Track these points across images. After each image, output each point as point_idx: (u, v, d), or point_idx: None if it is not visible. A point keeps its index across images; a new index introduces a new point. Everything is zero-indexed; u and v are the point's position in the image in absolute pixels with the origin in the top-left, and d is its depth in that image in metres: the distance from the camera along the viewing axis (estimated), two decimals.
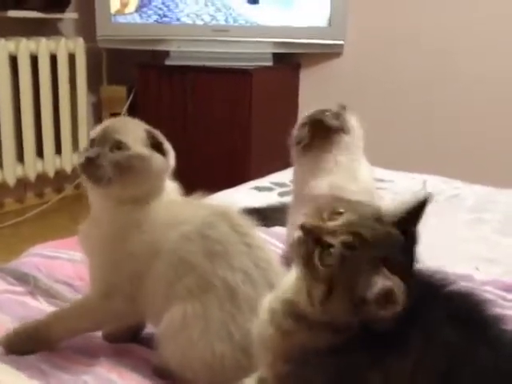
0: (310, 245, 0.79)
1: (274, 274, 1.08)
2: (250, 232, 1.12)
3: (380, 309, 0.74)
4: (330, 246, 0.77)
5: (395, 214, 0.80)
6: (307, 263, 0.79)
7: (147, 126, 1.15)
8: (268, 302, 0.89)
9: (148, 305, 1.11)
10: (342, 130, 1.49)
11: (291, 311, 0.84)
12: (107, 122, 1.15)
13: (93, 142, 1.12)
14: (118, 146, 1.09)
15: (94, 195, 1.14)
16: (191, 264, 1.06)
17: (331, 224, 0.79)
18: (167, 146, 1.14)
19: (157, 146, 1.13)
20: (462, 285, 0.86)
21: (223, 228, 1.09)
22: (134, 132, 1.12)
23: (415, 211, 0.80)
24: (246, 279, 1.05)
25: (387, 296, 0.73)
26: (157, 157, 1.12)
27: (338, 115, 1.50)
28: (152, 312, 1.11)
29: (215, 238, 1.07)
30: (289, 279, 0.88)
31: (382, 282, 0.74)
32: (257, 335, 0.89)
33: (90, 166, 1.09)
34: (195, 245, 1.07)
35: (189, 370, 1.04)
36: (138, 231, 1.10)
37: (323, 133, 1.49)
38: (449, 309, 0.81)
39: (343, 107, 1.53)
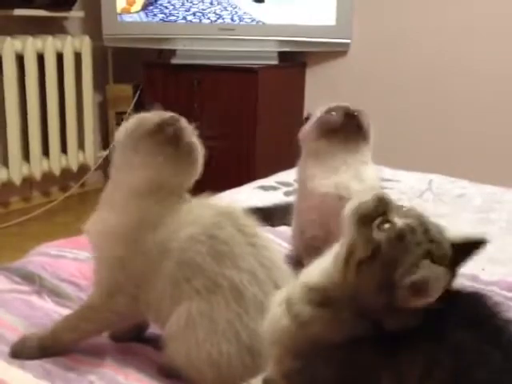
0: (376, 211, 0.80)
1: (279, 273, 1.08)
2: (255, 232, 1.11)
3: (412, 296, 0.74)
4: (391, 222, 0.79)
5: (453, 237, 0.82)
6: (364, 225, 0.79)
7: None
8: (283, 293, 0.88)
9: (153, 305, 1.10)
10: (366, 137, 1.48)
11: (314, 298, 0.83)
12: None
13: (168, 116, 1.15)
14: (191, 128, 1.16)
15: (124, 177, 1.14)
16: (199, 266, 1.05)
17: (401, 208, 0.81)
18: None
19: None
20: (473, 287, 0.85)
21: (229, 228, 1.09)
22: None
23: (469, 247, 0.82)
24: (253, 280, 1.04)
25: (424, 285, 0.74)
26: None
27: (367, 120, 1.48)
28: (158, 313, 1.11)
29: (222, 238, 1.07)
30: (314, 268, 0.87)
31: (425, 271, 0.74)
32: (268, 328, 0.87)
33: (171, 129, 1.13)
34: (203, 246, 1.06)
35: (195, 369, 1.03)
36: (152, 231, 1.09)
37: (350, 128, 1.47)
38: (463, 311, 0.80)
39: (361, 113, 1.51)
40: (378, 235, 0.78)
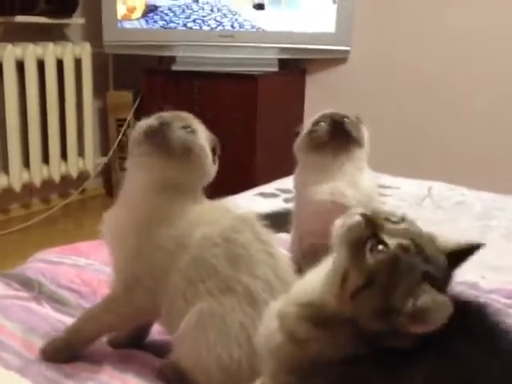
0: (366, 234, 0.77)
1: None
2: (270, 241, 1.11)
3: (412, 324, 0.73)
4: (384, 243, 0.76)
5: (447, 245, 0.80)
6: (356, 250, 0.76)
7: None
8: (277, 307, 0.86)
9: (167, 305, 1.09)
10: (358, 143, 1.47)
11: (312, 315, 0.81)
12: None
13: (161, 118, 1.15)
14: (189, 128, 1.14)
15: (137, 176, 1.14)
16: (214, 268, 1.05)
17: (391, 226, 0.78)
18: (217, 158, 1.21)
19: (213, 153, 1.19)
20: (473, 294, 0.85)
21: (247, 234, 1.09)
22: (203, 130, 1.19)
23: (463, 253, 0.81)
24: (267, 288, 1.04)
25: (425, 314, 0.72)
26: (211, 160, 1.18)
27: (357, 126, 1.48)
28: (169, 314, 1.10)
29: (239, 242, 1.07)
30: (307, 283, 0.86)
31: (427, 298, 0.72)
32: (263, 342, 0.86)
33: (159, 131, 1.12)
34: (218, 248, 1.06)
35: (203, 372, 1.02)
36: (165, 225, 1.09)
37: (339, 138, 1.46)
38: (463, 322, 0.79)
39: (358, 118, 1.50)
40: (372, 260, 0.75)
